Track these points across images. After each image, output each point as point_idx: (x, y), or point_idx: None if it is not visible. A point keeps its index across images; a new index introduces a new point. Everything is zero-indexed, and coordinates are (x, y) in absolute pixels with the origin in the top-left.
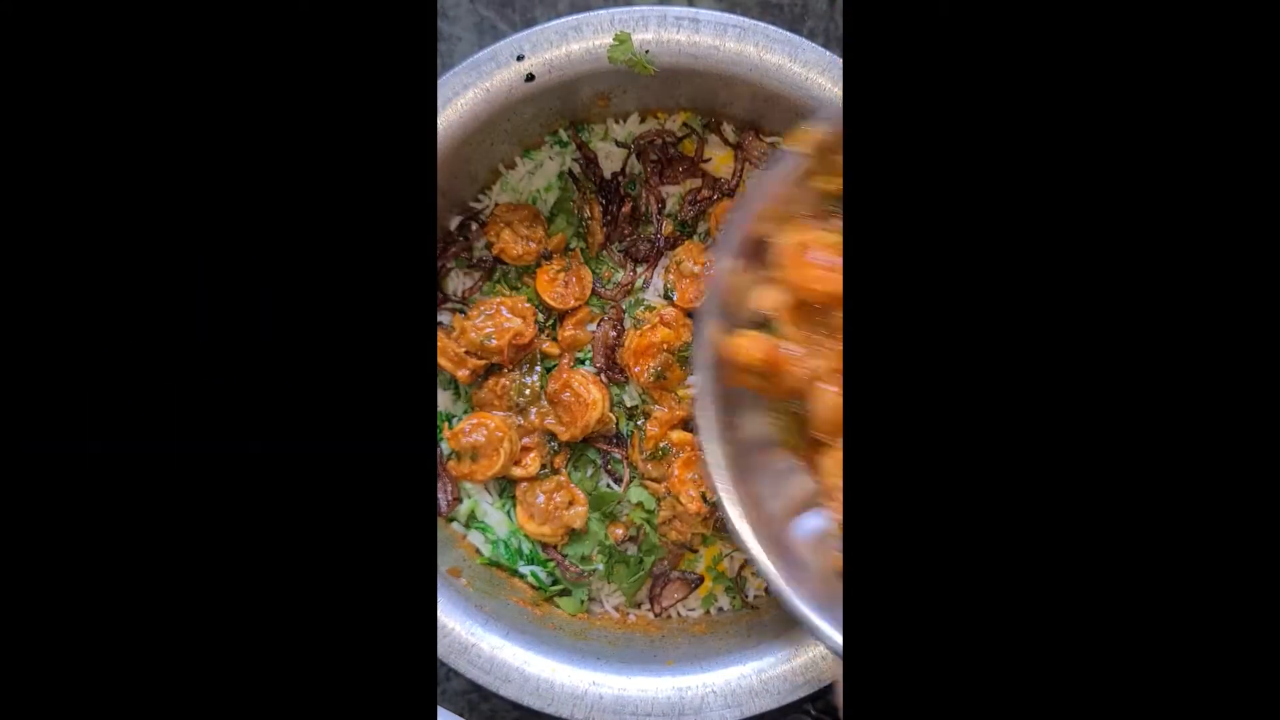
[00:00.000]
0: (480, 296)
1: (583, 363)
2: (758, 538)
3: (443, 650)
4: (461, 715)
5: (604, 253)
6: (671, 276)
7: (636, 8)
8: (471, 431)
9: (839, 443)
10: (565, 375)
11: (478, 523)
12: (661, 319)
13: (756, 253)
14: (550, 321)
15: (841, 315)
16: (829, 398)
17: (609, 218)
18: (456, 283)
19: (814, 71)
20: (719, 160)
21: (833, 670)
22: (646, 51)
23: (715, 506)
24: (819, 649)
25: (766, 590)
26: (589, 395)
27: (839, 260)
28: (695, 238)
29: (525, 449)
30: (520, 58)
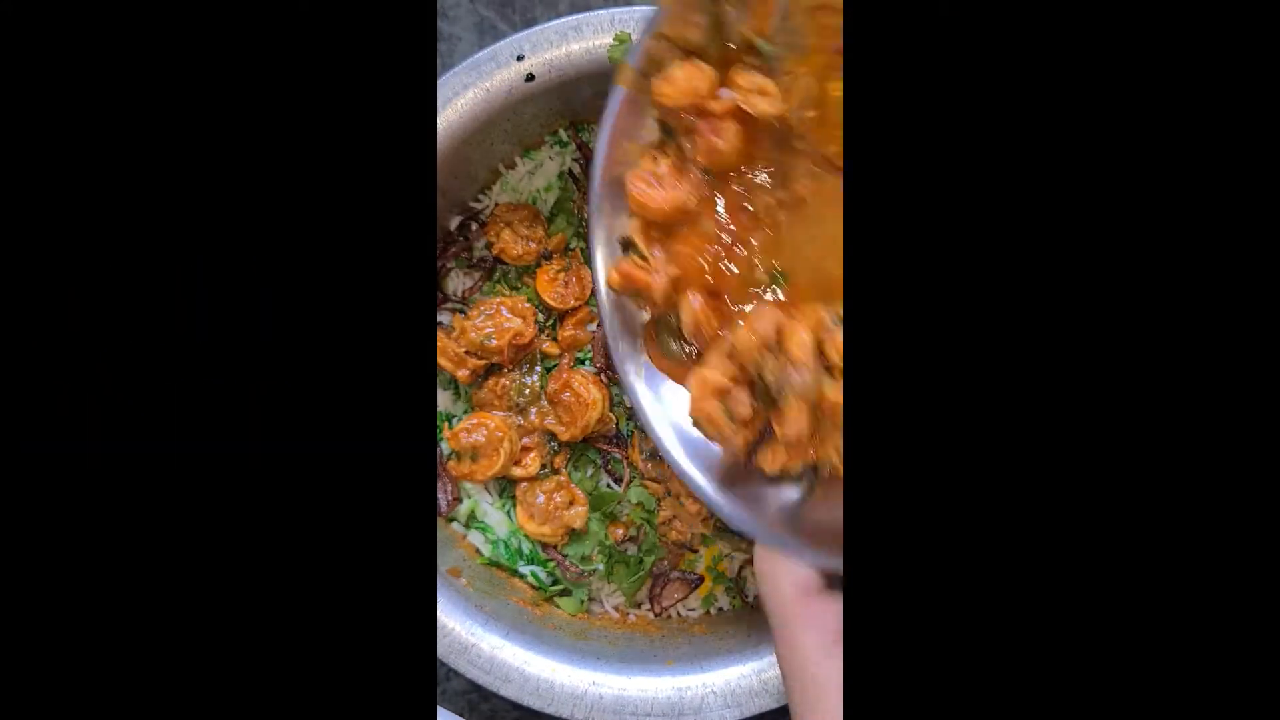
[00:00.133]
0: (480, 296)
1: (583, 363)
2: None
3: (443, 650)
4: (461, 715)
5: None
6: None
7: (636, 7)
8: (471, 432)
9: (709, 352)
10: (565, 375)
11: (478, 523)
12: None
13: (620, 192)
14: (550, 321)
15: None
16: (686, 304)
17: None
18: (456, 283)
19: None
20: None
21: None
22: None
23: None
24: None
25: None
26: (589, 395)
27: (658, 179)
28: None
29: (525, 449)
30: (520, 58)
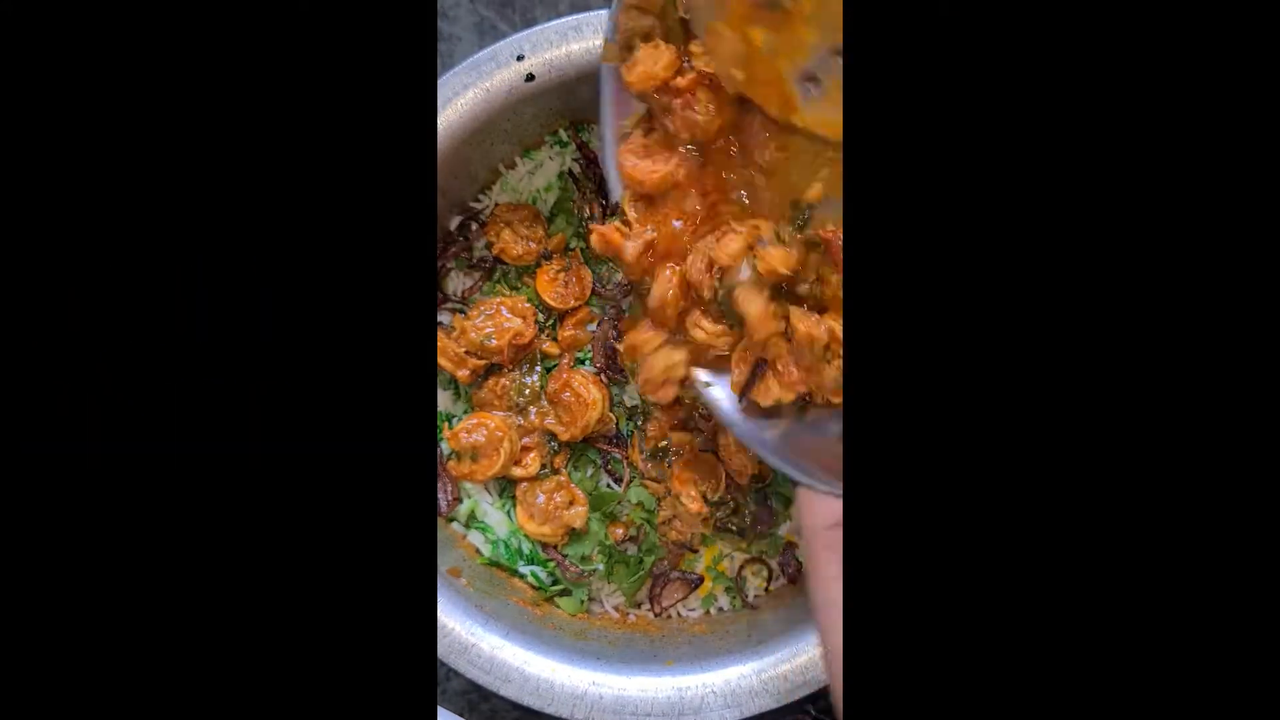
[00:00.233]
0: (480, 296)
1: (583, 363)
2: None
3: (443, 650)
4: (461, 715)
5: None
6: None
7: None
8: (471, 432)
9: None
10: (565, 375)
11: (478, 523)
12: None
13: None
14: (550, 321)
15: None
16: (661, 276)
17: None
18: (456, 283)
19: None
20: None
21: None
22: None
23: (715, 506)
24: (819, 649)
25: (767, 590)
26: (589, 395)
27: (648, 151)
28: None
29: (525, 449)
30: (520, 58)
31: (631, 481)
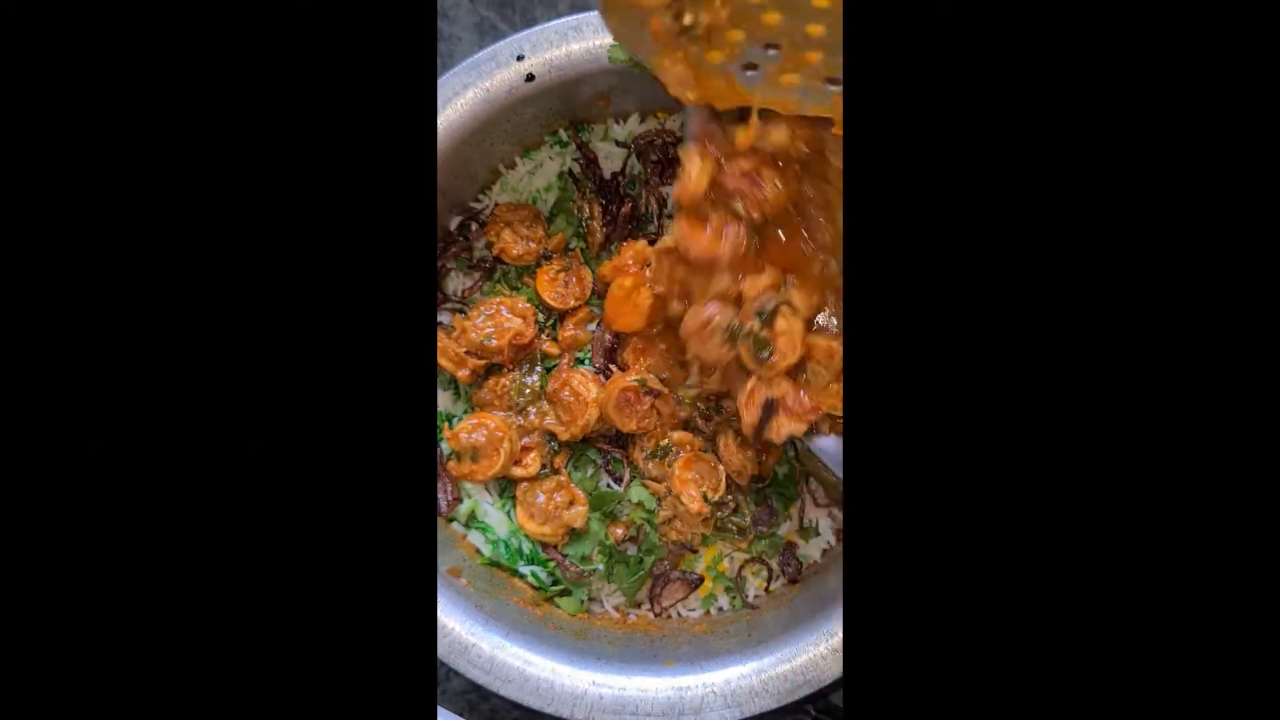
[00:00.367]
0: (480, 296)
1: (582, 362)
2: None
3: (443, 650)
4: (461, 715)
5: (604, 253)
6: None
7: None
8: (472, 432)
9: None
10: (565, 375)
11: (478, 523)
12: None
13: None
14: (550, 321)
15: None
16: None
17: (609, 218)
18: (456, 283)
19: None
20: None
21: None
22: None
23: (716, 506)
24: (819, 649)
25: (767, 590)
26: (588, 394)
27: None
28: None
29: (525, 449)
30: (520, 58)
31: (632, 481)
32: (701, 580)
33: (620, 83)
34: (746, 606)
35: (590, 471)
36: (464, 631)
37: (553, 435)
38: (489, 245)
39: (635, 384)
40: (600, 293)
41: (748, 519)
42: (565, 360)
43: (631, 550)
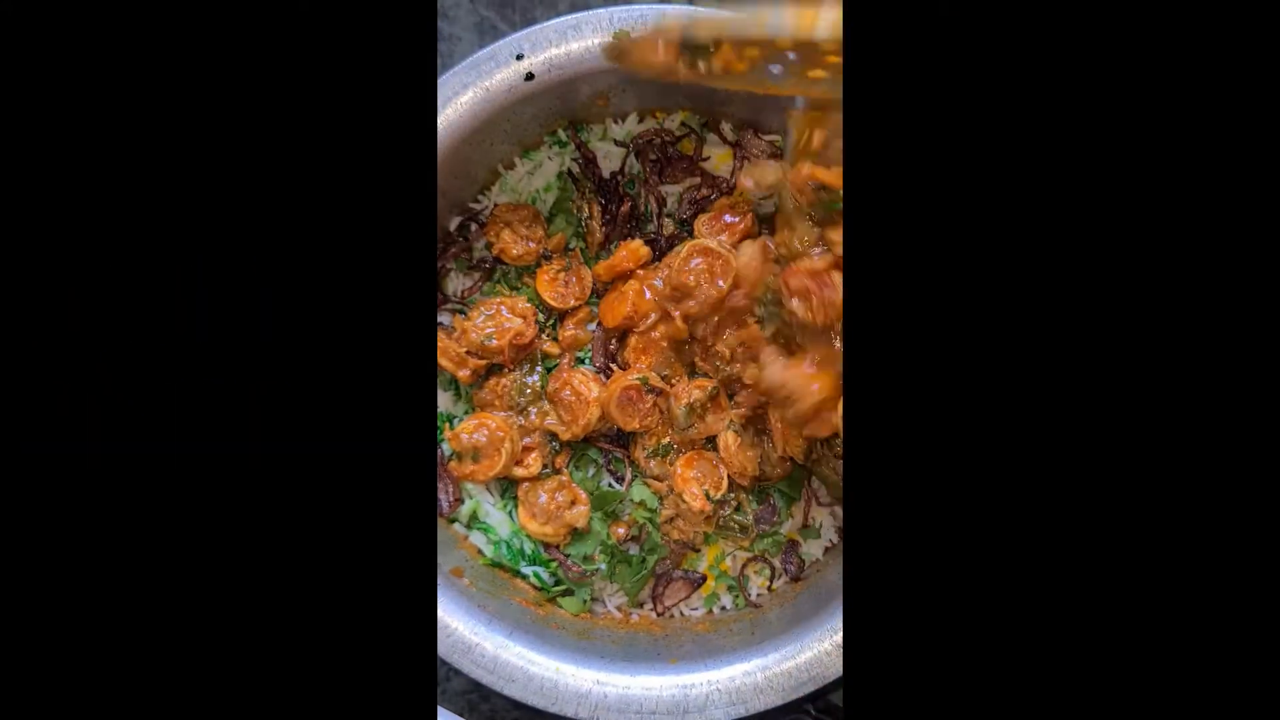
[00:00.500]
0: (480, 297)
1: (583, 362)
2: None
3: (446, 650)
4: (461, 715)
5: (604, 252)
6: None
7: (635, 6)
8: (473, 432)
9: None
10: (565, 375)
11: (479, 523)
12: None
13: None
14: (550, 321)
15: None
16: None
17: (608, 217)
18: (456, 283)
19: None
20: (718, 159)
21: (835, 666)
22: None
23: (718, 505)
24: (822, 646)
25: (770, 588)
26: (590, 394)
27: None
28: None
29: (526, 449)
30: (520, 57)
31: (634, 480)
32: (704, 579)
33: (619, 82)
34: (749, 605)
35: (592, 471)
36: (467, 631)
37: (554, 435)
38: (489, 245)
39: (637, 382)
40: (600, 292)
41: (750, 517)
42: (566, 360)
43: (634, 550)
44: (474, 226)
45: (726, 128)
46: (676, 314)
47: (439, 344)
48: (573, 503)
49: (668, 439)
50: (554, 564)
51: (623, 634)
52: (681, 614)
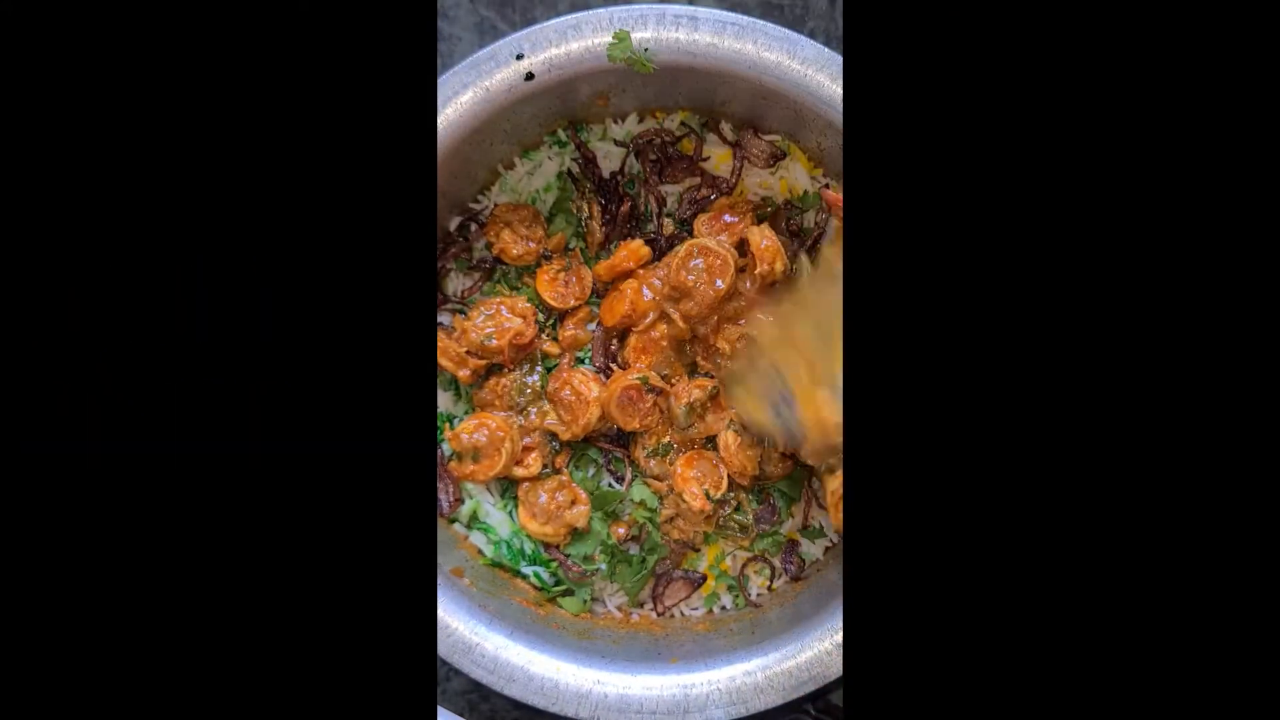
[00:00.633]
0: (480, 297)
1: (583, 362)
2: None
3: (446, 650)
4: (461, 715)
5: (604, 252)
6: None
7: (635, 6)
8: (473, 432)
9: None
10: (565, 374)
11: (479, 523)
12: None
13: None
14: (550, 321)
15: None
16: None
17: (608, 217)
18: (456, 283)
19: (813, 69)
20: (718, 158)
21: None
22: (645, 50)
23: (718, 504)
24: (823, 645)
25: (770, 588)
26: (590, 394)
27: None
28: None
29: (527, 449)
30: (519, 56)
31: (634, 480)
32: (704, 579)
33: (619, 82)
34: (749, 605)
35: (592, 471)
36: (467, 631)
37: (554, 435)
38: (489, 245)
39: (637, 382)
40: (600, 292)
41: (750, 517)
42: (566, 360)
43: (634, 549)
44: (474, 226)
45: (726, 128)
46: (676, 314)
47: (439, 344)
48: (573, 503)
49: (668, 438)
50: (554, 564)
51: (623, 634)
52: (681, 614)
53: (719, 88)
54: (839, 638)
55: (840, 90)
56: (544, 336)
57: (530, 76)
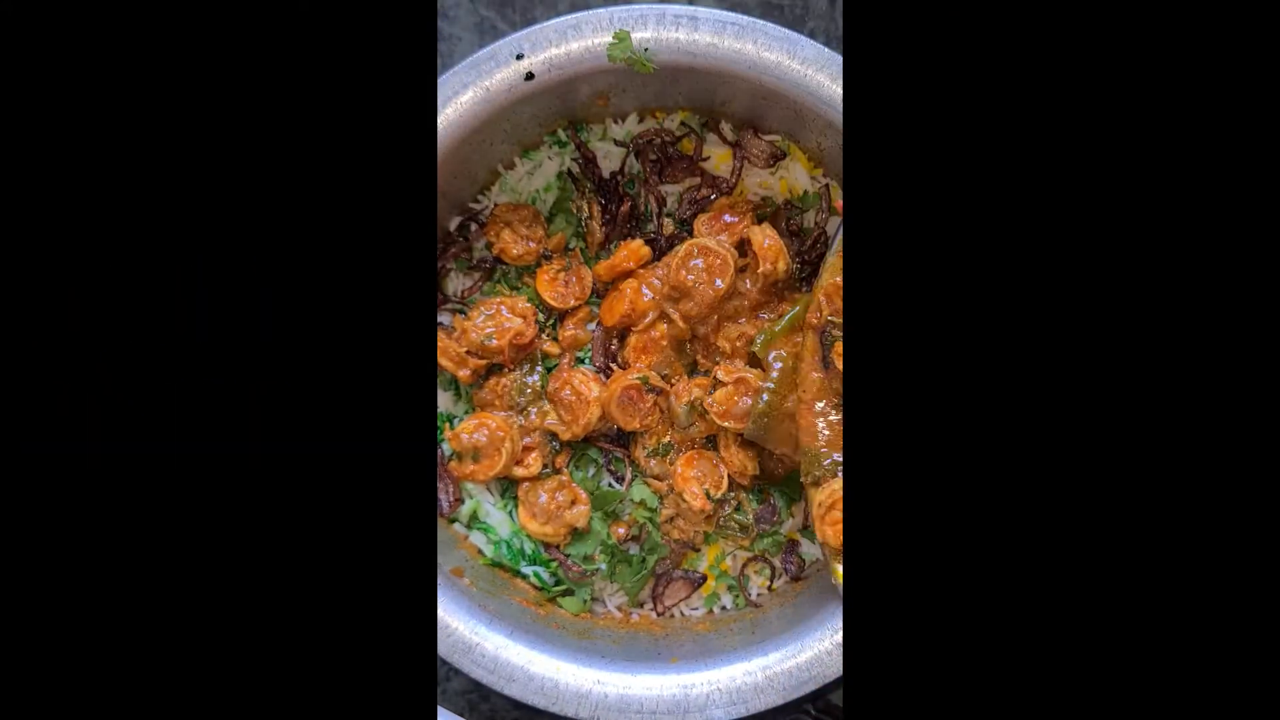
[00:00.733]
0: (480, 296)
1: (583, 362)
2: None
3: (446, 650)
4: (461, 715)
5: (604, 252)
6: None
7: (636, 6)
8: (473, 432)
9: None
10: (565, 374)
11: (480, 523)
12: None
13: None
14: (550, 321)
15: None
16: None
17: (608, 217)
18: (456, 283)
19: (812, 69)
20: (718, 158)
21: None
22: (645, 50)
23: (718, 504)
24: (823, 645)
25: (770, 588)
26: (590, 393)
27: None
28: None
29: (527, 449)
30: (520, 56)
31: (634, 479)
32: (704, 579)
33: (619, 81)
34: (749, 604)
35: (592, 471)
36: (467, 631)
37: (554, 435)
38: (489, 245)
39: (638, 382)
40: (600, 292)
41: (750, 517)
42: (566, 360)
43: (634, 549)
44: (474, 226)
45: (726, 128)
46: (675, 314)
47: (439, 344)
48: (573, 502)
49: (668, 438)
50: (554, 564)
51: (623, 634)
52: (681, 614)
53: (719, 88)
54: (839, 638)
55: (840, 90)
56: (544, 336)
57: (530, 76)
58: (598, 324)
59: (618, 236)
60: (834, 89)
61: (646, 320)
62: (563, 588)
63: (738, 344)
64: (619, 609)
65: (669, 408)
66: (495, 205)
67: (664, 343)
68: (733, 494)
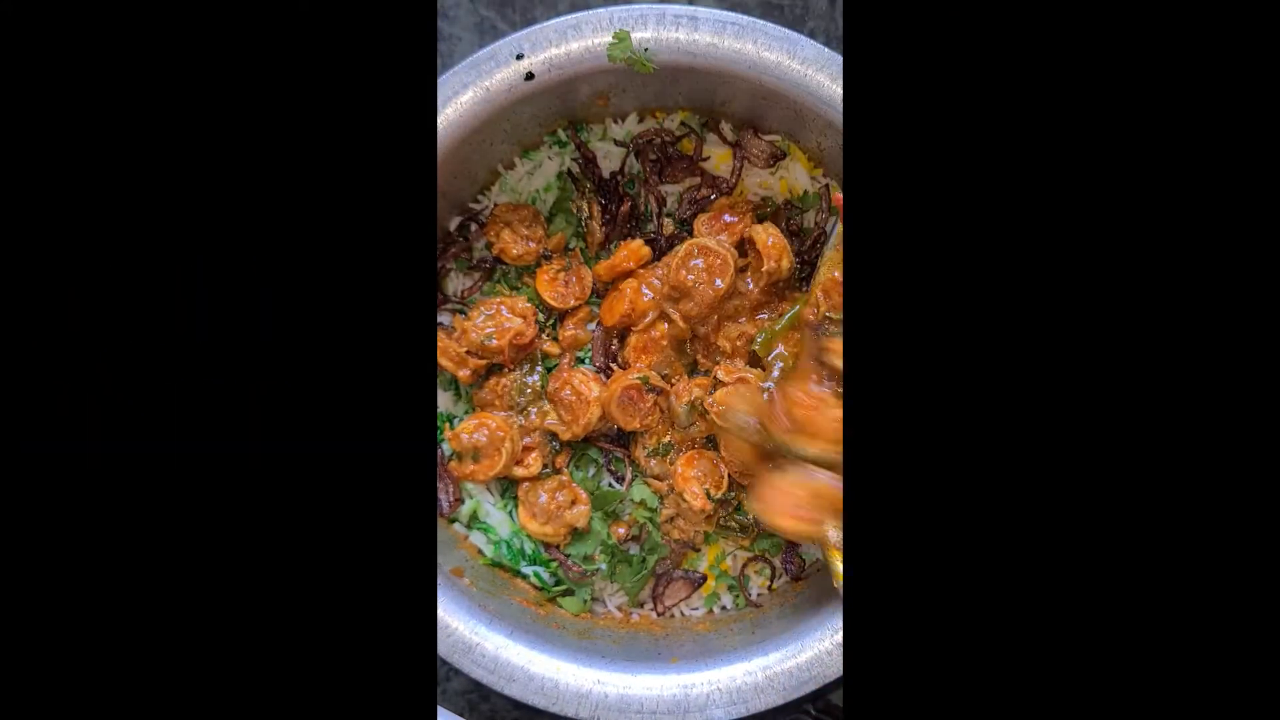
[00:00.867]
0: (480, 296)
1: (583, 362)
2: None
3: (446, 650)
4: (461, 715)
5: (604, 252)
6: None
7: (636, 6)
8: (473, 432)
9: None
10: (566, 374)
11: (480, 523)
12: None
13: None
14: (550, 321)
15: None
16: None
17: (608, 217)
18: (456, 283)
19: (812, 68)
20: (718, 158)
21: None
22: (645, 50)
23: (719, 504)
24: (823, 645)
25: (770, 588)
26: (590, 393)
27: None
28: None
29: (527, 449)
30: (519, 56)
31: (634, 479)
32: (704, 579)
33: (619, 82)
34: (750, 604)
35: (592, 471)
36: (467, 631)
37: (554, 435)
38: (489, 245)
39: (638, 381)
40: (600, 292)
41: (750, 517)
42: (566, 360)
43: (634, 549)
44: (474, 226)
45: (726, 127)
46: (675, 314)
47: (439, 344)
48: (573, 502)
49: (668, 438)
50: (554, 564)
51: (623, 634)
52: (682, 614)
53: (719, 88)
54: (839, 638)
55: (840, 90)
56: (544, 336)
57: (530, 76)
58: (598, 324)
59: (618, 236)
60: (834, 89)
61: (646, 320)
62: (563, 588)
63: (738, 344)
64: (619, 609)
65: (669, 408)
66: (495, 205)
67: (664, 343)
68: (733, 494)
